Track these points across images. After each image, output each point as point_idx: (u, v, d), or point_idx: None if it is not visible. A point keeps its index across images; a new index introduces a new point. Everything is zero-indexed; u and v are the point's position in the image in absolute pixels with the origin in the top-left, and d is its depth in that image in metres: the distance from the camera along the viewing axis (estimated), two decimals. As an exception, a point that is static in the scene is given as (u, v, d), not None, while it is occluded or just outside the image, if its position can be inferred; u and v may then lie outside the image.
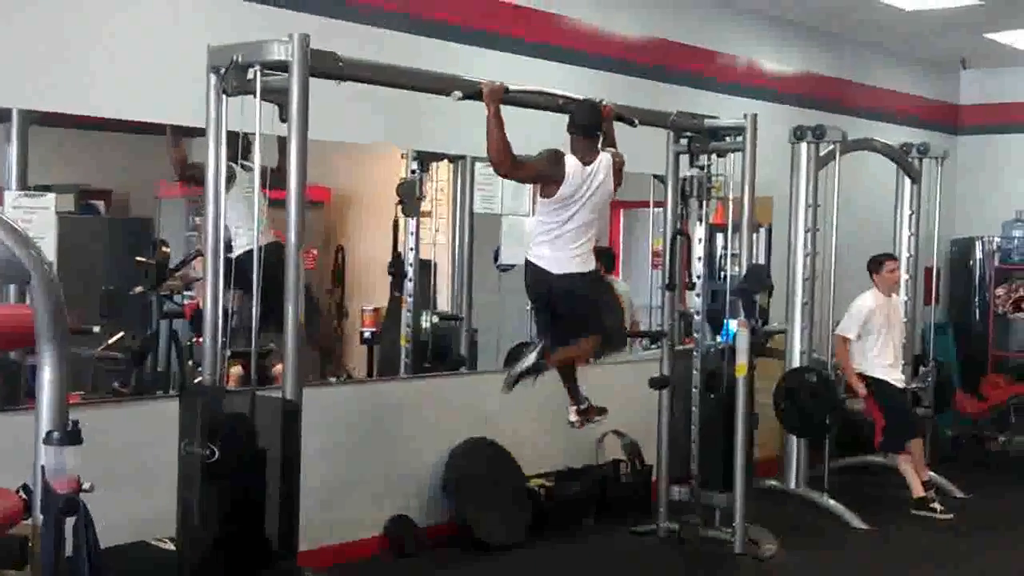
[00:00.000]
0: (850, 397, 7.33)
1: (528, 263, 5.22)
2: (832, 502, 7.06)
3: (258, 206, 4.29)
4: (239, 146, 4.55)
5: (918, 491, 7.18)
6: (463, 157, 6.48)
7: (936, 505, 7.12)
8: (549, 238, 5.12)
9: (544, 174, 5.08)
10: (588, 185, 5.10)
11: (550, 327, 5.33)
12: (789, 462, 7.40)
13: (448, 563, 5.89)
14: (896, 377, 7.37)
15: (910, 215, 8.32)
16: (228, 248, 4.64)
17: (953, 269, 10.25)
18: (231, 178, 5.18)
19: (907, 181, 8.32)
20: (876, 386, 7.24)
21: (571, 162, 5.08)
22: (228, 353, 4.40)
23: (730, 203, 6.23)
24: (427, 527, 6.07)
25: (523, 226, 6.68)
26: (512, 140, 4.88)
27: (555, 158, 5.07)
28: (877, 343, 7.30)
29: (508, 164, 4.92)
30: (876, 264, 7.46)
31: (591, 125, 5.20)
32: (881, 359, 7.30)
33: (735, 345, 6.04)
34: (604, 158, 5.18)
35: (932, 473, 7.47)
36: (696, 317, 6.35)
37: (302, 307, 4.16)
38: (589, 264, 5.22)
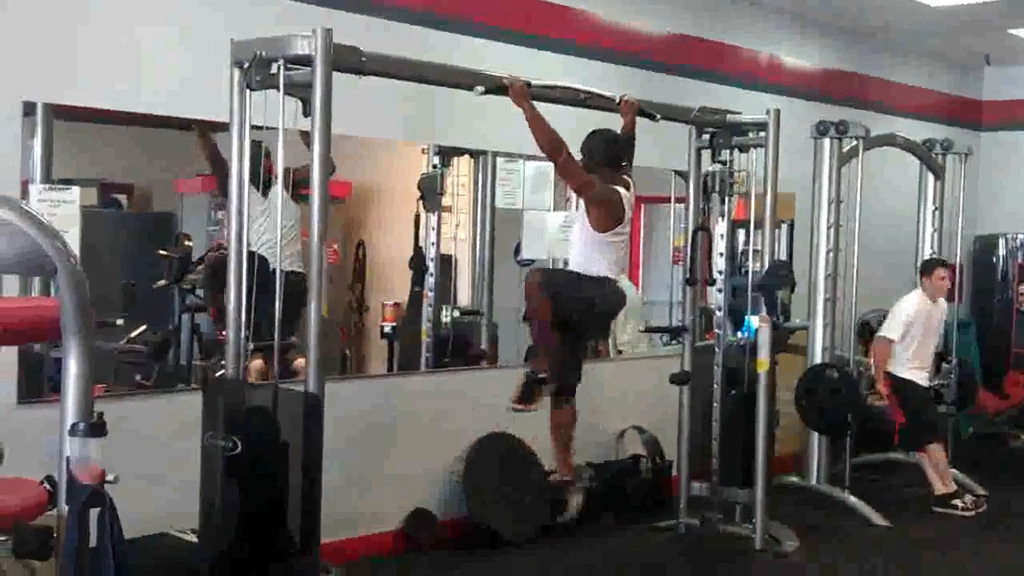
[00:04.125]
0: (871, 394, 7.30)
1: (614, 283, 5.21)
2: (853, 499, 7.03)
3: (280, 204, 4.30)
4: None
5: (939, 488, 7.15)
6: (484, 152, 6.48)
7: (958, 502, 7.09)
8: (614, 260, 5.19)
9: (598, 202, 5.07)
10: (630, 213, 5.20)
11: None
12: (810, 458, 7.38)
13: (467, 558, 5.90)
14: (921, 377, 7.31)
15: (933, 211, 8.28)
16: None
17: (976, 266, 10.20)
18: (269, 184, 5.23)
19: (930, 177, 8.28)
20: (901, 385, 7.19)
21: (625, 195, 5.12)
22: (251, 347, 4.41)
23: (752, 199, 6.20)
24: (446, 522, 6.08)
25: (544, 221, 6.69)
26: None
27: (614, 193, 5.09)
28: (912, 346, 7.21)
29: (564, 156, 4.93)
30: (928, 268, 7.37)
31: (617, 156, 5.22)
32: (912, 361, 7.22)
33: (756, 341, 6.03)
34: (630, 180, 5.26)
35: (954, 471, 7.42)
36: (717, 313, 6.33)
37: (325, 301, 4.17)
38: None
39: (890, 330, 7.21)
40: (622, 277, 5.36)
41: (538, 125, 4.86)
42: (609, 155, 5.17)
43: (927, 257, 7.53)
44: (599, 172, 5.13)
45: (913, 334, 7.21)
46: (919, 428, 7.21)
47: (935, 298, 7.36)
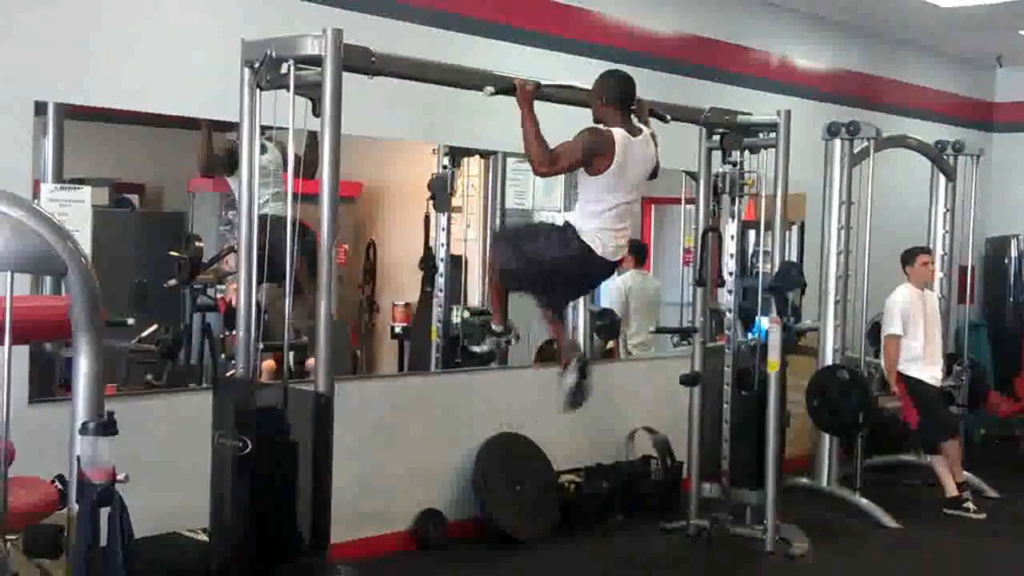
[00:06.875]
0: (883, 395, 7.28)
1: (579, 240, 4.77)
2: (864, 501, 7.01)
3: (291, 199, 4.30)
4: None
5: (951, 490, 7.13)
6: (495, 152, 6.48)
7: (969, 505, 7.06)
8: (600, 217, 4.77)
9: (590, 153, 4.72)
10: (638, 158, 4.84)
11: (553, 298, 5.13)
12: (821, 460, 7.35)
13: (477, 558, 5.90)
14: (933, 375, 7.27)
15: (945, 213, 8.26)
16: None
17: (988, 268, 10.15)
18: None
19: (942, 179, 8.25)
20: (912, 385, 7.17)
21: (619, 133, 4.77)
22: (261, 346, 4.41)
23: (762, 200, 6.19)
24: (456, 521, 6.08)
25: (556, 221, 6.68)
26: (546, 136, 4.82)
27: (598, 132, 4.78)
28: (918, 342, 7.19)
29: (547, 165, 4.67)
30: (909, 257, 7.38)
31: (628, 95, 4.91)
32: (922, 359, 7.20)
33: (767, 342, 6.02)
34: (647, 130, 4.97)
35: (967, 473, 7.40)
36: (727, 314, 6.32)
37: (334, 301, 4.18)
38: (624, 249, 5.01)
39: (892, 326, 7.21)
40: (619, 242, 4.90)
41: (531, 129, 4.64)
42: (619, 95, 4.88)
43: (908, 247, 7.50)
44: (608, 113, 4.86)
45: (915, 328, 7.19)
46: (933, 426, 7.18)
47: (922, 287, 7.35)
